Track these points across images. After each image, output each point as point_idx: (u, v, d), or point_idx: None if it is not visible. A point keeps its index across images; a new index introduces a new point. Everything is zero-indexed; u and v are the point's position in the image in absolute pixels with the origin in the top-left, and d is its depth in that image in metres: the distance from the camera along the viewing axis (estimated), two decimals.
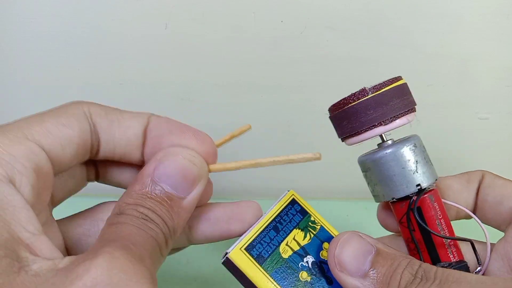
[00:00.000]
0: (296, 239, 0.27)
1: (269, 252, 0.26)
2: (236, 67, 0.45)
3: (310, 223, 0.29)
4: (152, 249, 0.20)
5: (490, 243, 0.27)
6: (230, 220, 0.26)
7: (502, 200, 0.27)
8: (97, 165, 0.26)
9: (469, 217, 0.28)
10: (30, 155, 0.19)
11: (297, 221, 0.28)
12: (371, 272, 0.23)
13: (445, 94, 0.46)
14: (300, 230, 0.28)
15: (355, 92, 0.25)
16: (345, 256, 0.24)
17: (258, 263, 0.25)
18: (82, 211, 0.26)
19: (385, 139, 0.26)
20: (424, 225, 0.25)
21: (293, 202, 0.29)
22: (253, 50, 0.44)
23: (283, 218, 0.28)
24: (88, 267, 0.17)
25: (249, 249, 0.25)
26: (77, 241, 0.24)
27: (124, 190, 0.24)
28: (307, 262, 0.27)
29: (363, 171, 0.26)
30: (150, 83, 0.46)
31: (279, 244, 0.27)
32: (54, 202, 0.24)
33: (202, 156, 0.24)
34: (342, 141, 0.27)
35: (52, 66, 0.45)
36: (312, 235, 0.28)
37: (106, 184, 0.27)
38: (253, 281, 0.25)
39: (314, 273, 0.26)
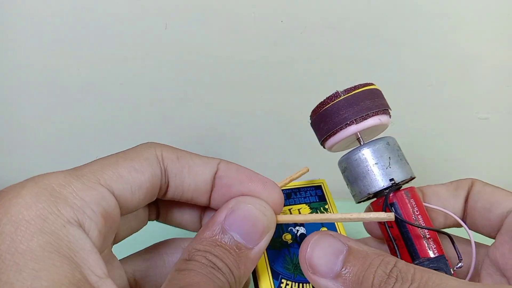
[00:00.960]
0: (300, 211, 0.28)
1: None
2: (236, 67, 0.45)
3: (321, 208, 0.30)
4: None
5: (483, 247, 0.27)
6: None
7: (490, 207, 0.27)
8: (159, 206, 0.27)
9: (458, 225, 0.27)
10: (100, 200, 0.20)
11: (311, 201, 0.30)
12: (343, 271, 0.22)
13: (445, 94, 0.46)
14: (308, 207, 0.29)
15: (329, 96, 0.27)
16: (316, 258, 0.23)
17: None
18: (146, 248, 0.27)
19: (361, 141, 0.27)
20: (399, 216, 0.25)
21: (318, 187, 0.31)
22: (253, 50, 0.44)
23: (300, 191, 0.30)
24: None
25: None
26: (145, 273, 0.26)
27: (182, 230, 0.25)
28: (297, 230, 0.28)
29: (342, 173, 0.27)
30: (150, 83, 0.46)
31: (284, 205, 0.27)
32: (116, 240, 0.25)
33: (271, 207, 0.24)
34: (323, 146, 0.28)
35: (52, 66, 0.45)
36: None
37: (165, 224, 0.28)
38: None
39: (298, 241, 0.27)
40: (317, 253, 0.23)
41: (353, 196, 0.27)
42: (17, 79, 0.46)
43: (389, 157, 0.26)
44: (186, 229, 0.28)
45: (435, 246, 0.25)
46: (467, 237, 0.27)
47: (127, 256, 0.26)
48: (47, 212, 0.18)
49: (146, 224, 0.27)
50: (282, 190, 0.27)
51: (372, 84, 0.27)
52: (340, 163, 0.27)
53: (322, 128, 0.27)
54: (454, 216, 0.27)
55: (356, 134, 0.26)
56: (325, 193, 0.31)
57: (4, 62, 0.45)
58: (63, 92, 0.46)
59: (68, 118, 0.48)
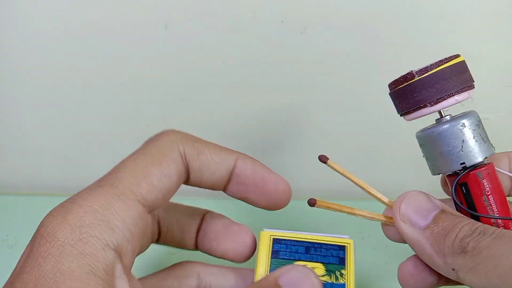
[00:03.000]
0: (313, 269, 0.26)
1: (285, 258, 0.27)
2: (236, 67, 0.45)
3: (337, 272, 0.27)
4: None
5: None
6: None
7: None
8: (160, 225, 0.28)
9: None
10: (138, 221, 0.22)
11: (329, 262, 0.28)
12: (432, 225, 0.24)
13: None
14: (324, 268, 0.27)
15: (405, 75, 0.27)
16: (410, 208, 0.25)
17: (271, 255, 0.27)
18: (162, 270, 0.28)
19: (443, 114, 0.27)
20: (462, 203, 0.26)
21: (342, 248, 0.28)
22: (253, 50, 0.44)
23: (322, 248, 0.28)
24: None
25: (275, 241, 0.27)
26: None
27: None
28: None
29: (419, 145, 0.28)
30: (150, 83, 0.46)
31: (297, 260, 0.27)
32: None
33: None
34: (401, 116, 0.28)
35: (52, 66, 0.45)
36: (329, 280, 0.27)
37: (164, 244, 0.29)
38: (257, 260, 0.27)
39: None
40: (411, 205, 0.25)
41: (429, 169, 0.28)
42: (16, 79, 0.46)
43: (463, 140, 0.26)
44: (182, 247, 0.29)
45: (503, 227, 0.26)
46: None
47: (145, 276, 0.27)
48: (89, 235, 0.20)
49: (149, 245, 0.28)
50: (303, 241, 0.28)
51: (452, 59, 0.27)
52: (417, 137, 0.28)
53: (398, 102, 0.27)
54: None
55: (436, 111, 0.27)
56: (347, 256, 0.28)
57: (4, 62, 0.45)
58: (63, 92, 0.46)
59: (67, 118, 0.48)
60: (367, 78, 0.46)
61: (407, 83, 0.26)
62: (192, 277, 0.28)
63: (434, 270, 0.25)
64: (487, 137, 0.27)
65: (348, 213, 0.27)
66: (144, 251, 0.27)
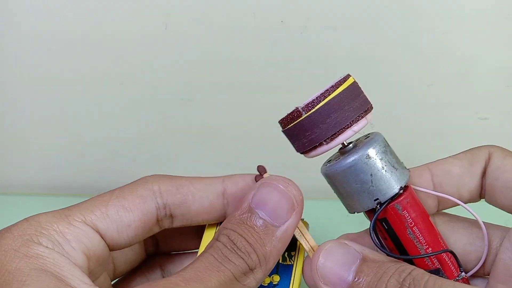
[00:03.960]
0: None
1: None
2: (236, 67, 0.45)
3: (286, 253, 0.26)
4: (220, 282, 0.20)
5: (502, 229, 0.25)
6: None
7: None
8: (156, 236, 0.28)
9: (475, 200, 0.25)
10: (82, 238, 0.22)
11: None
12: (356, 281, 0.21)
13: (445, 94, 0.46)
14: None
15: (290, 113, 0.24)
16: (328, 268, 0.22)
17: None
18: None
19: (345, 144, 0.24)
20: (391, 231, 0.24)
21: None
22: (253, 50, 0.44)
23: None
24: None
25: None
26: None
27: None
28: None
29: (327, 183, 0.25)
30: (150, 83, 0.46)
31: None
32: (117, 274, 0.26)
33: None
34: (302, 153, 0.26)
35: (52, 66, 0.45)
36: None
37: (169, 252, 0.29)
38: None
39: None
40: (329, 263, 0.22)
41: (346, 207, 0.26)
42: (16, 79, 0.46)
43: (371, 174, 0.23)
44: (187, 250, 0.29)
45: (436, 259, 0.24)
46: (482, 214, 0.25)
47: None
48: (31, 242, 0.20)
49: (145, 257, 0.28)
50: None
51: (341, 84, 0.23)
52: (323, 174, 0.25)
53: (293, 142, 0.25)
54: (463, 205, 0.25)
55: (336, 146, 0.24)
56: (299, 237, 0.26)
57: (4, 62, 0.45)
58: (63, 92, 0.46)
59: (67, 118, 0.48)
60: (367, 78, 0.45)
61: (295, 123, 0.24)
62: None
63: None
64: (398, 161, 0.24)
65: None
66: (135, 265, 0.27)
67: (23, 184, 0.50)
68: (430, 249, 0.24)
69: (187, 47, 0.44)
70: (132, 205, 0.23)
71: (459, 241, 0.26)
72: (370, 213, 0.24)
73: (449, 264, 0.24)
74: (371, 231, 0.23)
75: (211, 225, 0.27)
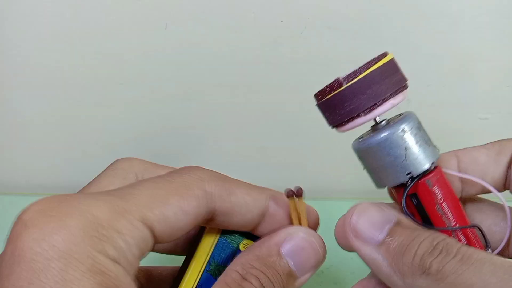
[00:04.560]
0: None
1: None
2: (236, 67, 0.45)
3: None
4: None
5: None
6: None
7: None
8: None
9: (500, 189, 0.25)
10: (141, 243, 0.20)
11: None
12: (388, 239, 0.21)
13: (445, 94, 0.46)
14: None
15: (331, 84, 0.24)
16: (361, 222, 0.22)
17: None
18: None
19: (378, 121, 0.24)
20: (421, 207, 0.24)
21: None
22: (253, 50, 0.44)
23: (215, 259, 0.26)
24: None
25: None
26: None
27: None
28: None
29: (358, 158, 0.25)
30: (150, 83, 0.46)
31: None
32: None
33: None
34: (334, 128, 0.26)
35: (52, 66, 0.45)
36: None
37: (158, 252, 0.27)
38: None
39: None
40: (362, 220, 0.22)
41: (373, 182, 0.25)
42: (16, 79, 0.46)
43: (405, 148, 0.23)
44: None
45: (462, 236, 0.24)
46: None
47: None
48: (96, 251, 0.18)
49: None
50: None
51: (380, 59, 0.24)
52: (354, 150, 0.25)
53: (328, 115, 0.25)
54: (491, 188, 0.25)
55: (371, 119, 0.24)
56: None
57: (3, 62, 0.45)
58: (63, 92, 0.46)
59: (67, 118, 0.48)
60: None
61: (335, 93, 0.23)
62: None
63: None
64: (430, 140, 0.25)
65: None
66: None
67: (23, 184, 0.50)
68: (457, 225, 0.24)
69: (187, 47, 0.44)
70: (189, 207, 0.21)
71: (484, 221, 0.26)
72: (399, 188, 0.24)
73: (474, 242, 0.24)
74: (404, 204, 0.23)
75: (212, 229, 0.26)
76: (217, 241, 0.25)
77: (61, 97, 0.47)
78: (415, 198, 0.23)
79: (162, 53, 0.44)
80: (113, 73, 0.45)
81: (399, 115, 0.25)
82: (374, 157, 0.23)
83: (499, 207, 0.26)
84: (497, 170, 0.25)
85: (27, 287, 0.16)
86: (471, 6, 0.42)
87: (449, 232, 0.23)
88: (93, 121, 0.48)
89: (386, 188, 0.25)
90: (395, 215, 0.23)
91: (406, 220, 0.23)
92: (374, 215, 0.23)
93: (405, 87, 0.24)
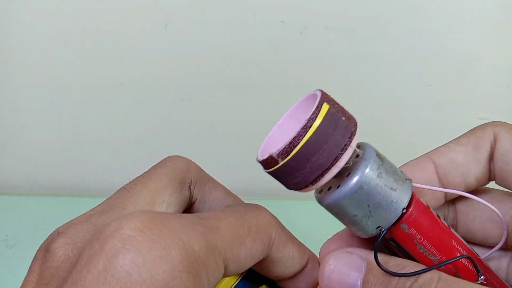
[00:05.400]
0: None
1: None
2: (236, 67, 0.45)
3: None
4: None
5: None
6: None
7: None
8: None
9: (485, 183, 0.24)
10: (215, 283, 0.19)
11: None
12: None
13: (445, 94, 0.46)
14: None
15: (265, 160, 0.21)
16: (334, 279, 0.21)
17: None
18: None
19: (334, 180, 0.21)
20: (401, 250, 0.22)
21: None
22: (253, 50, 0.44)
23: None
24: None
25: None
26: None
27: None
28: None
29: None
30: (150, 83, 0.46)
31: None
32: None
33: None
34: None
35: (52, 66, 0.45)
36: None
37: None
38: None
39: None
40: (335, 274, 0.21)
41: None
42: (16, 79, 0.46)
43: (368, 205, 0.20)
44: None
45: (451, 265, 0.22)
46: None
47: None
48: (192, 284, 0.17)
49: None
50: None
51: (314, 118, 0.20)
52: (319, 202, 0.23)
53: (282, 182, 0.22)
54: (471, 196, 0.23)
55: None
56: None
57: (4, 62, 0.45)
58: (63, 92, 0.46)
59: (67, 118, 0.48)
60: (367, 78, 0.45)
61: (273, 169, 0.20)
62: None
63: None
64: (396, 179, 0.21)
65: None
66: None
67: (23, 184, 0.50)
68: (444, 257, 0.22)
69: (187, 47, 0.44)
70: (257, 252, 0.21)
71: (479, 217, 0.25)
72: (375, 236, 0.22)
73: (468, 268, 0.23)
74: (376, 257, 0.21)
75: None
76: (238, 282, 0.25)
77: (61, 97, 0.47)
78: (393, 241, 0.22)
79: (162, 53, 0.44)
80: (113, 73, 0.45)
81: (357, 154, 0.21)
82: (338, 214, 0.21)
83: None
84: (478, 168, 0.24)
85: None
86: (471, 6, 0.42)
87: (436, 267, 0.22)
88: (93, 121, 0.48)
89: None
90: (364, 258, 0.21)
91: (375, 264, 0.21)
92: (343, 265, 0.22)
93: (351, 137, 0.20)
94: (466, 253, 0.23)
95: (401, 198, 0.21)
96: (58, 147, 0.49)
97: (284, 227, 0.23)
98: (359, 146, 0.21)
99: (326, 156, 0.19)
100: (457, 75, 0.45)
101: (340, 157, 0.20)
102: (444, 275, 0.20)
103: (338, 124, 0.20)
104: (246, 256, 0.20)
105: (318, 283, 0.24)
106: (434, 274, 0.20)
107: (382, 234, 0.21)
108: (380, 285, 0.20)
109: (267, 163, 0.20)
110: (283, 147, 0.20)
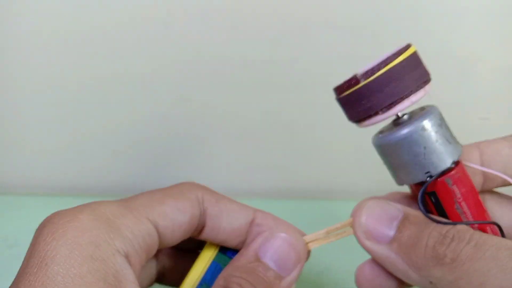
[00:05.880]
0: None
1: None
2: (236, 67, 0.45)
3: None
4: None
5: None
6: None
7: None
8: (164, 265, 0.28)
9: None
10: (146, 236, 0.21)
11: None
12: (398, 235, 0.22)
13: (445, 94, 0.46)
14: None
15: (348, 80, 0.23)
16: (370, 223, 0.22)
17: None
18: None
19: (399, 115, 0.24)
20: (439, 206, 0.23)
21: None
22: (253, 50, 0.44)
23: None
24: None
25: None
26: None
27: None
28: None
29: (377, 153, 0.25)
30: (149, 83, 0.46)
31: None
32: None
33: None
34: (354, 123, 0.25)
35: (52, 66, 0.45)
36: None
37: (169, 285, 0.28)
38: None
39: None
40: (371, 219, 0.23)
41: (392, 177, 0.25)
42: (15, 79, 0.46)
43: (424, 147, 0.22)
44: None
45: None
46: None
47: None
48: (100, 239, 0.19)
49: (153, 284, 0.28)
50: None
51: (401, 52, 0.23)
52: (374, 145, 0.25)
53: (346, 110, 0.24)
54: (509, 179, 0.24)
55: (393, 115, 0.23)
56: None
57: (3, 61, 0.45)
58: (63, 92, 0.46)
59: (67, 118, 0.48)
60: None
61: (351, 90, 0.23)
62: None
63: (391, 274, 0.23)
64: (452, 136, 0.24)
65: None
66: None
67: (23, 184, 0.50)
68: (476, 224, 0.23)
69: (186, 47, 0.44)
70: (184, 207, 0.23)
71: (505, 215, 0.26)
72: (418, 185, 0.24)
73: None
74: (420, 203, 0.23)
75: (210, 245, 0.27)
76: (210, 264, 0.26)
77: (61, 97, 0.47)
78: (434, 196, 0.23)
79: (162, 53, 0.44)
80: (113, 73, 0.45)
81: (422, 108, 0.24)
82: (393, 154, 0.23)
83: None
84: None
85: (35, 272, 0.18)
86: (471, 6, 0.42)
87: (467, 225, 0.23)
88: (93, 121, 0.48)
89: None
90: (401, 210, 0.23)
91: (413, 213, 0.22)
92: (381, 212, 0.23)
93: (426, 82, 0.23)
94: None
95: (453, 152, 0.23)
96: (58, 147, 0.49)
97: (214, 191, 0.26)
98: (423, 108, 0.24)
99: (404, 86, 0.22)
100: (457, 75, 0.45)
101: (414, 93, 0.22)
102: (478, 230, 0.21)
103: (419, 67, 0.23)
104: (174, 211, 0.23)
105: (257, 247, 0.24)
106: (469, 227, 0.21)
107: (428, 181, 0.22)
108: (416, 230, 0.21)
109: (349, 84, 0.22)
110: (368, 69, 0.22)
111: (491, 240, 0.20)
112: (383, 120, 0.23)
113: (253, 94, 0.46)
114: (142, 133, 0.49)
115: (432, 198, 0.23)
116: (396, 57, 0.22)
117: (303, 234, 0.26)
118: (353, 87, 0.22)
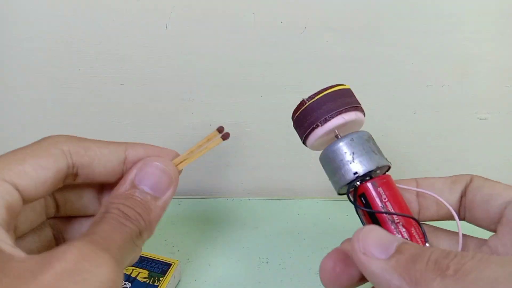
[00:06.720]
0: (140, 274, 0.39)
1: None
2: (236, 67, 0.45)
3: (156, 279, 0.38)
4: (123, 240, 0.23)
5: (478, 240, 0.27)
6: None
7: (489, 199, 0.27)
8: (56, 198, 0.29)
9: (452, 217, 0.27)
10: (4, 194, 0.22)
11: (153, 270, 0.39)
12: (397, 255, 0.22)
13: (445, 94, 0.46)
14: (147, 273, 0.39)
15: (298, 104, 0.29)
16: (371, 240, 0.23)
17: None
18: None
19: (338, 135, 0.29)
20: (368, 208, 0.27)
21: (168, 265, 0.40)
22: (253, 50, 0.44)
23: (152, 262, 0.40)
24: (59, 257, 0.20)
25: None
26: None
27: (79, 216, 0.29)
28: None
29: (322, 167, 0.30)
30: (150, 83, 0.46)
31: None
32: (18, 234, 0.27)
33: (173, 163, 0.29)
34: (305, 144, 0.31)
35: (53, 66, 0.45)
36: (148, 281, 0.38)
37: (68, 216, 0.30)
38: None
39: None
40: (372, 237, 0.23)
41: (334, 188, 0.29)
42: (16, 79, 0.46)
43: (352, 152, 0.28)
44: (86, 214, 0.30)
45: (404, 230, 0.26)
46: (465, 231, 0.27)
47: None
48: None
49: (45, 219, 0.28)
50: (140, 256, 0.33)
51: (337, 86, 0.29)
52: (319, 159, 0.30)
53: (298, 131, 0.30)
54: (445, 203, 0.27)
55: (333, 131, 0.29)
56: (169, 271, 0.39)
57: (4, 62, 0.45)
58: (64, 92, 0.46)
59: (68, 118, 0.48)
60: (367, 78, 0.46)
61: (300, 110, 0.29)
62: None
63: (354, 269, 0.24)
64: (379, 151, 0.28)
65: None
66: (34, 226, 0.28)
67: None
68: (400, 222, 0.26)
69: (187, 47, 0.44)
70: (47, 163, 0.24)
71: (440, 245, 0.28)
72: (352, 191, 0.28)
73: (415, 235, 0.26)
74: (354, 203, 0.27)
75: None
76: None
77: (62, 97, 0.47)
78: (364, 197, 0.27)
79: (163, 54, 0.44)
80: (113, 73, 0.45)
81: (356, 132, 0.29)
82: (330, 160, 0.28)
83: (454, 232, 0.29)
84: (452, 196, 0.28)
85: None
86: (471, 6, 0.42)
87: (389, 227, 0.26)
88: (93, 121, 0.48)
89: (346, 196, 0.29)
90: (400, 238, 0.24)
91: (410, 242, 0.23)
92: (381, 234, 0.24)
93: (357, 108, 0.29)
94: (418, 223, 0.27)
95: (379, 161, 0.28)
96: None
97: (84, 138, 0.28)
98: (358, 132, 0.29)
99: (337, 106, 0.28)
100: (457, 75, 0.45)
101: (346, 112, 0.28)
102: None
103: (352, 97, 0.30)
104: (36, 169, 0.24)
105: (132, 177, 0.27)
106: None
107: (357, 178, 0.27)
108: (417, 250, 0.22)
109: (300, 106, 0.29)
110: (313, 93, 0.29)
111: (493, 256, 0.20)
112: (323, 134, 0.28)
113: (253, 94, 0.46)
114: (143, 133, 0.49)
115: (363, 199, 0.27)
116: (334, 87, 0.29)
117: (175, 154, 0.29)
118: (301, 107, 0.29)
